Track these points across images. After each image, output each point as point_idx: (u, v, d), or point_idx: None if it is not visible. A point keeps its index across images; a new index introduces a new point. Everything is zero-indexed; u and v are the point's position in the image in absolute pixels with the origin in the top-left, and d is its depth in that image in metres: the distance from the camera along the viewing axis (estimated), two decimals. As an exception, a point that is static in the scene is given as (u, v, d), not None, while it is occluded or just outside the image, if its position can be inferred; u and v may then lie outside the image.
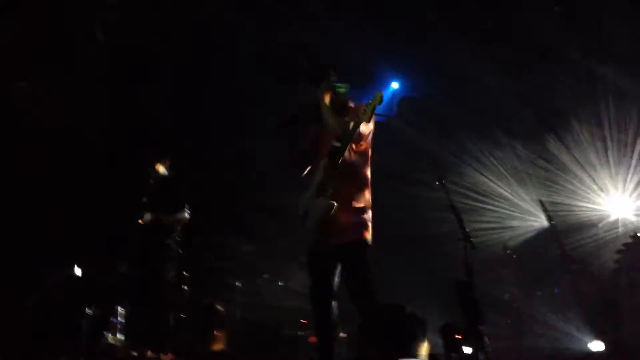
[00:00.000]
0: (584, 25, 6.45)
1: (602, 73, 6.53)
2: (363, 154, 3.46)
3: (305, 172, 3.66)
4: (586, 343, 5.60)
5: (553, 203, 7.27)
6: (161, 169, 5.17)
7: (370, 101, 3.26)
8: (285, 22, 6.43)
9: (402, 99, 7.96)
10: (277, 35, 6.42)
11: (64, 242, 6.01)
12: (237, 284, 6.58)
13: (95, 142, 6.44)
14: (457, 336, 3.52)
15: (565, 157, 7.29)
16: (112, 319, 5.15)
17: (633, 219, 7.03)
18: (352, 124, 3.26)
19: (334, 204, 3.28)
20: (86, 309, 5.01)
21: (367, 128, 3.36)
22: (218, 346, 3.82)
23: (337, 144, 3.31)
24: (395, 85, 7.91)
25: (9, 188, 5.85)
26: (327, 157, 3.35)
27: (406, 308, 2.30)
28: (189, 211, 5.06)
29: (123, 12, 6.10)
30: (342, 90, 3.54)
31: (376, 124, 3.55)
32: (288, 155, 3.64)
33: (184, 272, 5.58)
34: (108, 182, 6.29)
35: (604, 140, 7.04)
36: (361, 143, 3.40)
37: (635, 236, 6.09)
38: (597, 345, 5.53)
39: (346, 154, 3.32)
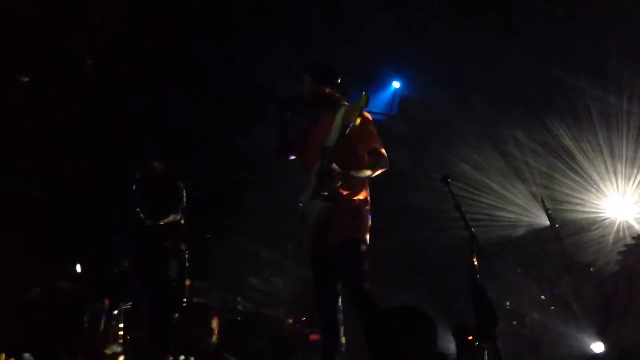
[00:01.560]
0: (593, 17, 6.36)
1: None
2: (356, 155, 3.45)
3: (291, 159, 3.71)
4: (587, 344, 5.58)
5: (554, 200, 7.20)
6: (158, 166, 5.15)
7: (356, 103, 3.27)
8: (285, 21, 6.39)
9: (403, 98, 7.96)
10: (276, 34, 6.38)
11: (64, 239, 6.02)
12: (236, 281, 6.59)
13: (94, 137, 6.44)
14: (469, 337, 3.51)
15: (571, 152, 7.19)
16: (112, 316, 5.14)
17: (636, 221, 6.98)
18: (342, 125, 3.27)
19: (329, 205, 3.28)
20: (86, 306, 5.03)
21: (356, 129, 3.33)
22: (211, 341, 3.76)
23: (330, 145, 3.31)
24: (396, 84, 7.94)
25: (8, 186, 5.86)
26: (320, 158, 3.33)
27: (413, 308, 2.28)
28: (184, 209, 5.04)
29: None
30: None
31: (372, 123, 3.54)
32: (277, 142, 3.67)
33: (184, 270, 5.57)
34: (107, 178, 6.28)
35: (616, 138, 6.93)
36: (353, 144, 3.39)
37: (638, 237, 6.04)
38: (598, 347, 5.50)
39: (339, 155, 3.28)
